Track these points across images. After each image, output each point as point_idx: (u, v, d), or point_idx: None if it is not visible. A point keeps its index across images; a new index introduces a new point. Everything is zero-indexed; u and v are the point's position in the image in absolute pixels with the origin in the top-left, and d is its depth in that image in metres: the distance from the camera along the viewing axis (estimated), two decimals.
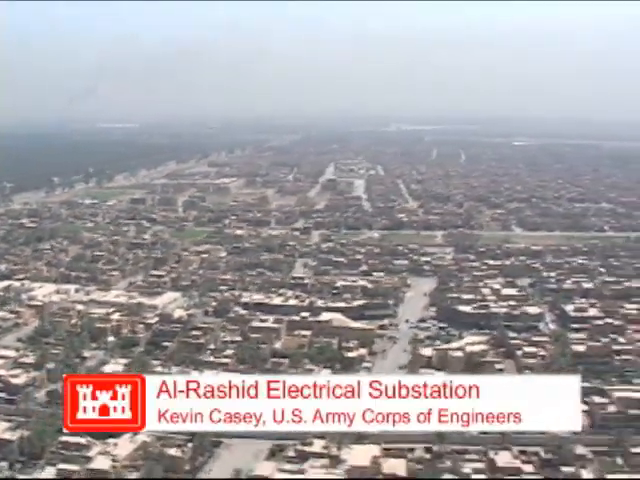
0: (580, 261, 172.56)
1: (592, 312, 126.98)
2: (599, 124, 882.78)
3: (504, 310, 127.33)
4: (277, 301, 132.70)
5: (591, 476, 73.04)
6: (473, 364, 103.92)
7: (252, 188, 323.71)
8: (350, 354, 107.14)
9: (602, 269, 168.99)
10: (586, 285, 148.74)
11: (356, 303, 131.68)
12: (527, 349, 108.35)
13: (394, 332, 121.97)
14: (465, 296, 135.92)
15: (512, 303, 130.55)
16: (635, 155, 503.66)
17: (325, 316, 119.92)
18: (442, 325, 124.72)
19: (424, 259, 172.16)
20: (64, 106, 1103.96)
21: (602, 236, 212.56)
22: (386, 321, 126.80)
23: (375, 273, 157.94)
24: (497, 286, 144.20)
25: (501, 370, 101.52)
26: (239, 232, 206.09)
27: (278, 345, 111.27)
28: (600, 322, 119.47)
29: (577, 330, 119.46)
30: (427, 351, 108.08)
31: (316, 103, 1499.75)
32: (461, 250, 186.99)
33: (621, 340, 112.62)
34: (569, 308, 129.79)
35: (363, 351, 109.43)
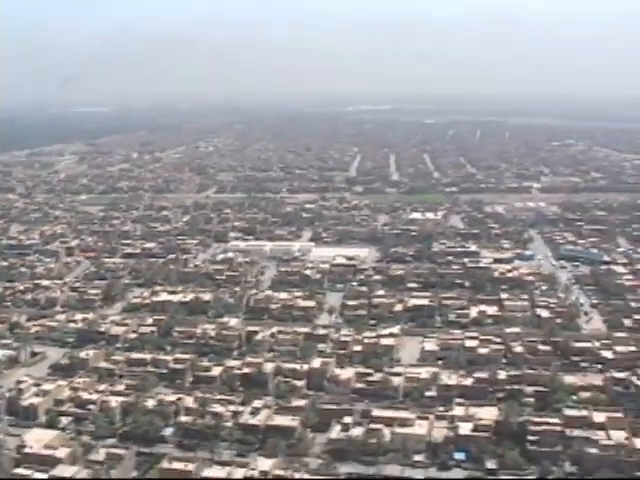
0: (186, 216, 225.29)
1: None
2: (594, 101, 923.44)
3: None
4: None
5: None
6: None
7: (79, 164, 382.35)
8: None
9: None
10: (162, 229, 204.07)
11: None
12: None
13: None
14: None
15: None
16: (516, 129, 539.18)
17: None
18: None
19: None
20: (54, 90, 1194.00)
21: (267, 197, 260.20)
22: None
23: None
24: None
25: None
26: None
27: None
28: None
29: None
30: None
31: (302, 86, 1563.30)
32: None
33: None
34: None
35: None
